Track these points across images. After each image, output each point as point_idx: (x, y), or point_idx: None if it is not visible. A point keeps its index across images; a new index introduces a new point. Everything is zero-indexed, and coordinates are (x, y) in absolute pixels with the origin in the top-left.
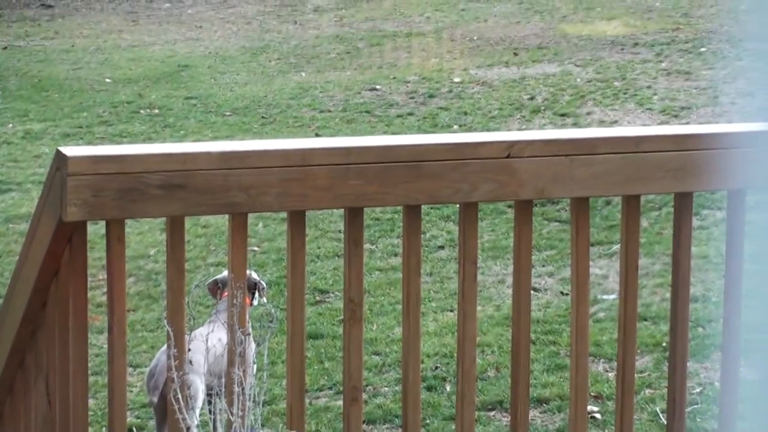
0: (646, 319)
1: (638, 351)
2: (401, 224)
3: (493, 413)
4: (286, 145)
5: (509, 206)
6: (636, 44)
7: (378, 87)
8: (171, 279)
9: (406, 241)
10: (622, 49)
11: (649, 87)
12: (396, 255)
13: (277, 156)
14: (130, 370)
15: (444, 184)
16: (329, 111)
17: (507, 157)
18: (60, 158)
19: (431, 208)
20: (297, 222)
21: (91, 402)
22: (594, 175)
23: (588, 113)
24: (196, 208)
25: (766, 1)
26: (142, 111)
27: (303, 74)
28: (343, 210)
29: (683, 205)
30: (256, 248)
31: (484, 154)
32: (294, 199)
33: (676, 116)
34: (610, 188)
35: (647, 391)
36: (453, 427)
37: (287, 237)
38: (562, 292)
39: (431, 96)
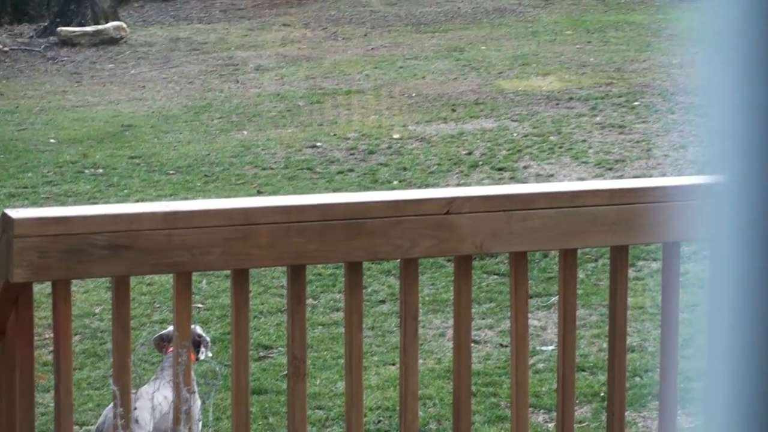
0: (584, 370)
1: (577, 401)
2: (343, 280)
3: None
4: (228, 205)
5: (449, 260)
6: (571, 99)
7: (319, 144)
8: (116, 338)
9: (348, 297)
10: (558, 104)
11: (584, 141)
12: (338, 310)
13: (219, 215)
14: (76, 428)
15: (384, 240)
16: (271, 168)
17: (446, 213)
18: (5, 221)
19: (372, 263)
20: (240, 280)
21: None
22: (532, 229)
23: (525, 167)
24: (141, 267)
25: (697, 55)
26: (86, 170)
27: (245, 132)
28: (285, 267)
29: (619, 257)
30: (200, 305)
31: (423, 211)
32: (237, 257)
33: (610, 169)
34: (547, 242)
35: None
36: None
37: (231, 295)
38: (501, 344)
39: (371, 152)
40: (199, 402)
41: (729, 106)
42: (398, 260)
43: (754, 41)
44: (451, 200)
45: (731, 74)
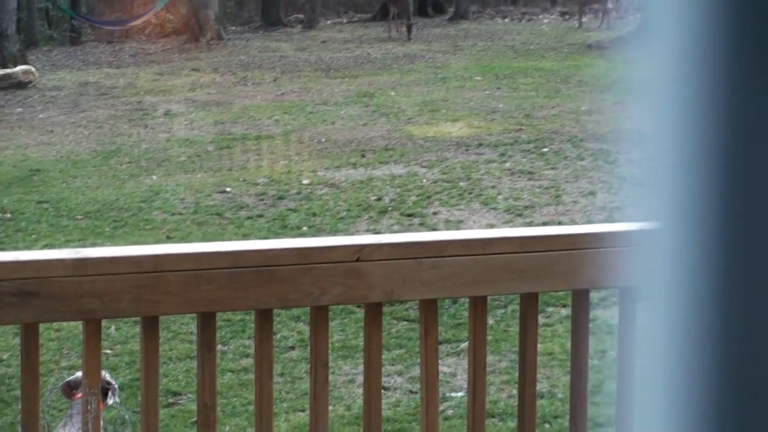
0: (494, 416)
1: None
2: (252, 325)
3: None
4: (138, 252)
5: (358, 306)
6: (480, 145)
7: (228, 189)
8: (25, 386)
9: (258, 345)
10: (467, 150)
11: (493, 187)
12: (247, 356)
13: (129, 262)
14: None
15: (294, 288)
16: (180, 214)
17: (356, 260)
18: None
19: (281, 309)
20: (150, 327)
21: None
22: (442, 277)
23: (434, 213)
24: (50, 315)
25: (604, 102)
26: None
27: (154, 177)
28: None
29: (529, 304)
30: (108, 351)
31: (333, 258)
32: (147, 304)
33: (520, 215)
34: (457, 290)
35: None
36: None
37: (140, 342)
38: (411, 391)
39: (280, 198)
40: None
41: (656, 153)
42: (308, 307)
43: (683, 90)
44: (361, 247)
45: (658, 122)
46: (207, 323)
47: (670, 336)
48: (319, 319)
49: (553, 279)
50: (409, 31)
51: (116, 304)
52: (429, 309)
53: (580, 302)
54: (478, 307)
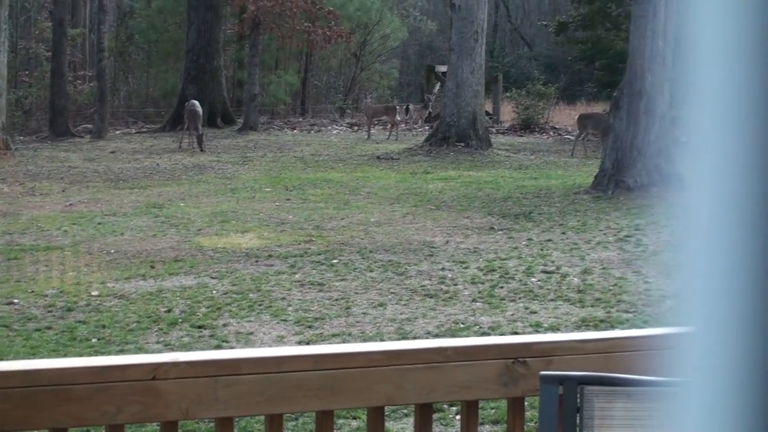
0: None
1: None
2: None
3: None
4: None
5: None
6: (270, 256)
7: (16, 301)
8: None
9: None
10: (257, 261)
11: (283, 298)
12: None
13: None
14: None
15: (91, 406)
16: None
17: (152, 379)
18: None
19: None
20: None
21: None
22: (238, 395)
23: (224, 325)
24: None
25: (394, 214)
26: None
27: None
28: None
29: (324, 422)
30: None
31: (129, 377)
32: None
33: (310, 327)
34: (253, 408)
35: None
36: None
37: None
38: None
39: (69, 309)
40: None
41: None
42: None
43: None
44: (157, 366)
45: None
46: None
47: None
48: None
49: (348, 396)
50: (200, 142)
51: None
52: (225, 427)
53: (375, 418)
54: (274, 424)
